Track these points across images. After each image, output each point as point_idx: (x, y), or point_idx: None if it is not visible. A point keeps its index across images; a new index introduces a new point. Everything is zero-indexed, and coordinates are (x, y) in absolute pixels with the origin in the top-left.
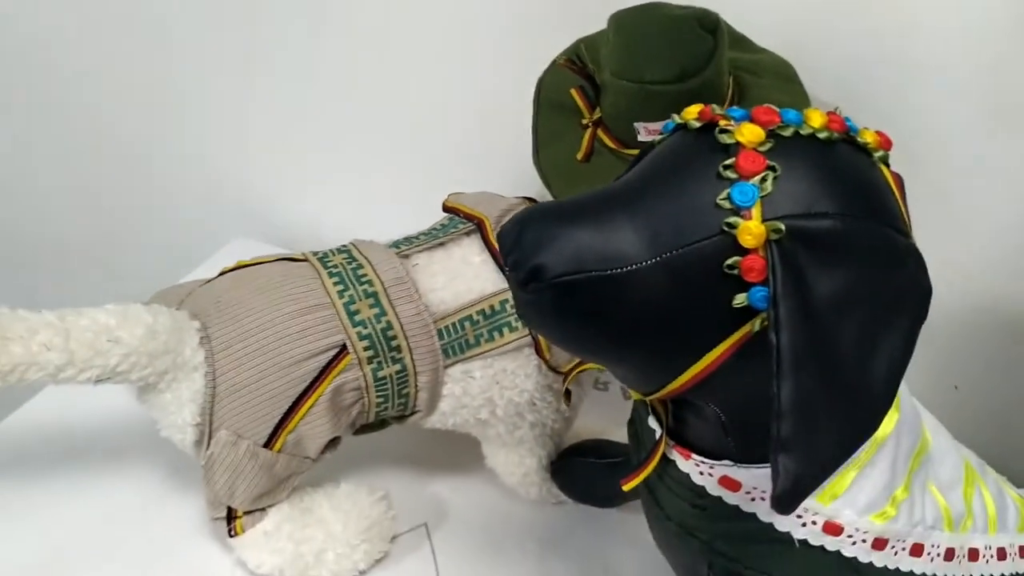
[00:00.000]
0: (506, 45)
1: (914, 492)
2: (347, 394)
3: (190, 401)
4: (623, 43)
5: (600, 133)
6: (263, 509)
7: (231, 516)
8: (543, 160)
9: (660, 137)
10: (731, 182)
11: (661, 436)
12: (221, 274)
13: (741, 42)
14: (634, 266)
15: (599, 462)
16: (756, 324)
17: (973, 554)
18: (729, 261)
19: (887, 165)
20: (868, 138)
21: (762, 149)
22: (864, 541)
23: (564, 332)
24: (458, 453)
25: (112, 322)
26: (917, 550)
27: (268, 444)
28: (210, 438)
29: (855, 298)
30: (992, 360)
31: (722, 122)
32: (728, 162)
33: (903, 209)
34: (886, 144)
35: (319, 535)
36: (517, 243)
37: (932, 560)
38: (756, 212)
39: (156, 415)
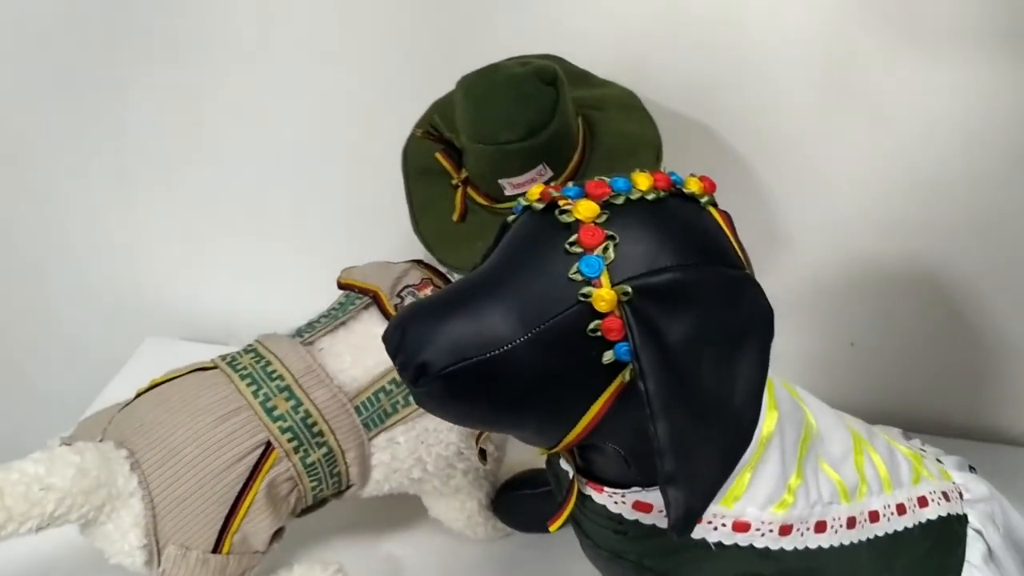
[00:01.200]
0: (378, 114)
1: (807, 476)
2: (281, 485)
3: (133, 526)
4: (472, 108)
5: (471, 192)
6: None
7: None
8: (423, 229)
9: (513, 217)
10: (578, 256)
11: (573, 477)
12: (137, 395)
13: (584, 78)
14: (509, 345)
15: (535, 492)
16: (626, 375)
17: (874, 516)
18: (591, 325)
19: (715, 206)
20: (693, 187)
21: (599, 221)
22: (771, 531)
23: (459, 414)
24: (402, 509)
25: (41, 470)
26: (821, 527)
27: (216, 549)
28: (159, 556)
29: (706, 335)
30: (879, 314)
31: (561, 202)
32: (572, 239)
33: (734, 243)
34: (710, 188)
35: None
36: (401, 346)
37: (836, 532)
38: (605, 279)
39: (102, 546)
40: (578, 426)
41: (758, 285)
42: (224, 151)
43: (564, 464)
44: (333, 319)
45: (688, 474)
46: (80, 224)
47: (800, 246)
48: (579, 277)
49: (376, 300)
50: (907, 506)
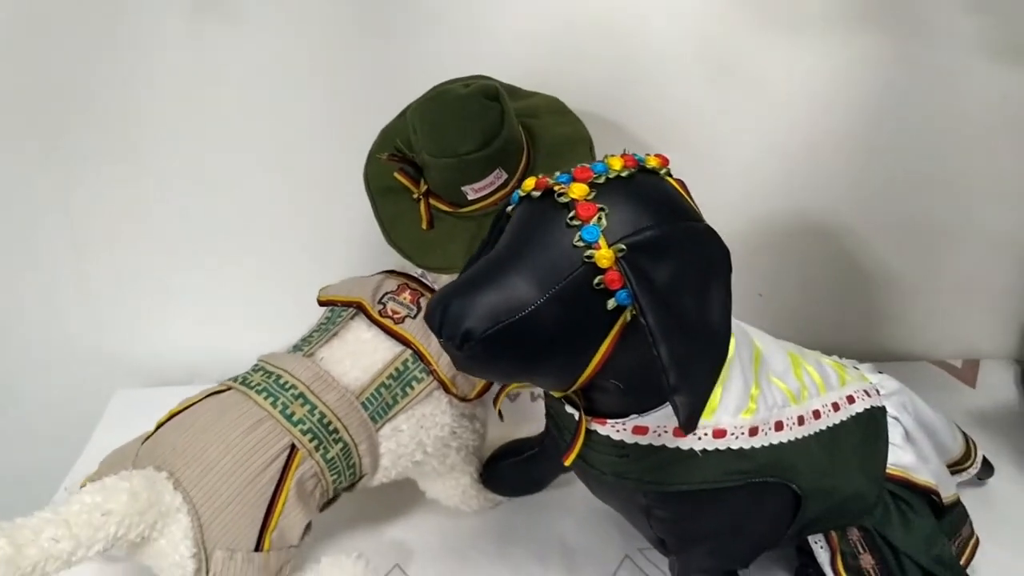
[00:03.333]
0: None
1: (763, 387)
2: (308, 482)
3: (183, 538)
4: (430, 129)
5: (433, 202)
6: None
7: None
8: (396, 240)
9: (512, 206)
10: (578, 227)
11: (580, 416)
12: (158, 427)
13: (514, 92)
14: (533, 306)
15: (520, 459)
16: (627, 316)
17: (816, 414)
18: (596, 280)
19: (670, 175)
20: (653, 163)
21: (589, 198)
22: (743, 434)
23: (497, 370)
24: (397, 497)
25: (98, 499)
26: (779, 426)
27: (258, 547)
28: (207, 562)
29: (684, 275)
30: (780, 266)
31: (556, 187)
32: (571, 215)
33: (691, 202)
34: (664, 163)
35: None
36: (444, 320)
37: (791, 429)
38: (603, 242)
39: (154, 562)
40: (590, 366)
41: (716, 232)
42: (167, 205)
43: (569, 409)
44: (325, 332)
45: (688, 384)
46: (33, 293)
47: (708, 214)
48: (582, 243)
49: (361, 309)
50: (840, 404)
